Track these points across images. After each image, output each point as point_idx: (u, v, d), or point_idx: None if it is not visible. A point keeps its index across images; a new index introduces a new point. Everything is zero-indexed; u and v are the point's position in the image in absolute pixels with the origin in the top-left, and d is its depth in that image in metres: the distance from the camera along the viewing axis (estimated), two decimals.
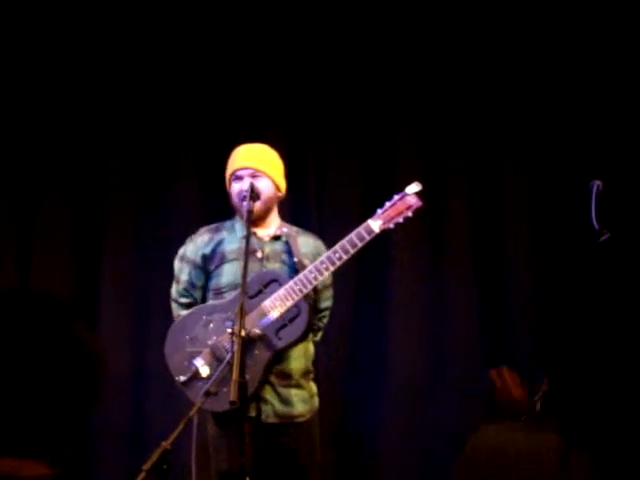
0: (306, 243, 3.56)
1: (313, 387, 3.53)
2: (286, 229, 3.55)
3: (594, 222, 2.94)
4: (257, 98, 4.53)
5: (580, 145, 4.31)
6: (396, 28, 4.51)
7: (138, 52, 4.57)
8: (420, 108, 4.52)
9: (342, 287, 4.24)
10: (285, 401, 3.41)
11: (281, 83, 4.54)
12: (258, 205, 3.42)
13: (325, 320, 3.60)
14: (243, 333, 2.90)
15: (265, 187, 3.47)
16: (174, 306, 3.57)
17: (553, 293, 4.14)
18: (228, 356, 3.10)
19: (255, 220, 3.44)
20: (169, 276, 3.67)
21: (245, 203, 3.40)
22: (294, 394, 3.43)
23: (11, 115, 4.56)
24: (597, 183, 3.05)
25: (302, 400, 3.45)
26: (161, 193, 4.57)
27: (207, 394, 2.89)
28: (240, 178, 3.47)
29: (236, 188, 3.48)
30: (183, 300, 3.54)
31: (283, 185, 3.56)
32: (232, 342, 3.09)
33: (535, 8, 4.42)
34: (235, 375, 2.77)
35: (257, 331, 3.25)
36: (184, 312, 3.50)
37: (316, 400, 3.52)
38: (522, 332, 4.35)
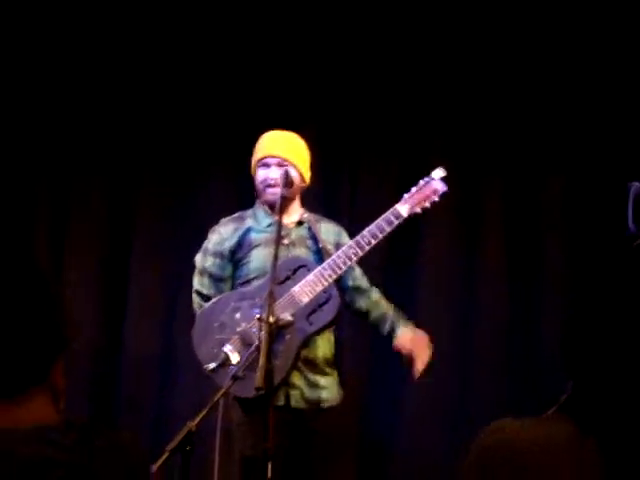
0: (327, 229, 3.57)
1: (336, 376, 3.53)
2: (307, 215, 3.56)
3: (630, 224, 2.92)
4: (294, 93, 4.54)
5: (619, 146, 4.27)
6: (432, 32, 4.49)
7: (180, 44, 4.59)
8: (456, 104, 4.49)
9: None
10: (313, 386, 3.42)
11: (318, 78, 4.53)
12: (285, 192, 3.41)
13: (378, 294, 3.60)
14: (272, 319, 2.90)
15: (293, 175, 3.46)
16: (197, 298, 3.54)
17: (584, 295, 4.09)
18: (257, 342, 3.11)
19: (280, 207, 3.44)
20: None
21: (271, 190, 3.41)
22: (321, 380, 3.44)
23: (46, 109, 4.60)
24: (636, 185, 3.03)
25: (329, 386, 3.46)
26: (195, 186, 4.60)
27: (235, 378, 2.89)
28: (267, 165, 3.48)
29: (261, 175, 3.50)
30: (206, 292, 3.52)
31: (308, 175, 3.56)
32: (260, 328, 3.11)
33: (564, 20, 4.38)
34: (262, 361, 2.77)
35: (289, 318, 3.25)
36: (207, 304, 3.48)
37: (341, 388, 3.52)
38: (553, 331, 4.31)
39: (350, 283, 3.56)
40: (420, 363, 3.43)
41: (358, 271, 3.59)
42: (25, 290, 1.37)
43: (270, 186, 3.46)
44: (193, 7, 4.59)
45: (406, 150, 4.52)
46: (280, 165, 3.46)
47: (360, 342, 4.39)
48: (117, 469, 1.36)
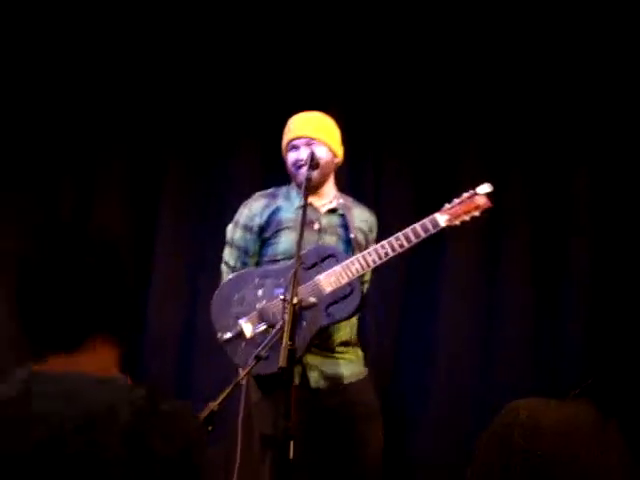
0: (360, 216, 3.56)
1: (359, 353, 3.52)
2: (342, 200, 3.54)
3: None
4: (318, 78, 4.53)
5: None
6: (458, 21, 4.47)
7: (205, 27, 4.62)
8: (484, 103, 4.47)
9: (393, 279, 4.24)
10: (332, 364, 3.42)
11: (342, 63, 4.53)
12: (315, 173, 3.42)
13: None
14: (295, 300, 2.90)
15: (321, 154, 3.47)
16: (224, 268, 3.57)
17: (610, 290, 4.06)
18: (279, 322, 3.12)
19: (312, 189, 3.44)
20: (223, 236, 3.69)
21: (301, 171, 3.40)
22: (340, 358, 3.44)
23: (73, 82, 4.64)
24: None
25: (349, 362, 3.45)
26: (219, 169, 4.62)
27: (258, 358, 2.90)
28: (296, 147, 3.49)
29: (292, 157, 3.50)
30: (233, 263, 3.54)
31: (340, 151, 3.55)
32: (284, 308, 3.12)
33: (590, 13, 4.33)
34: (285, 340, 2.77)
35: (312, 299, 3.25)
36: (231, 275, 3.50)
37: (364, 367, 3.51)
38: (578, 332, 4.26)
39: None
40: None
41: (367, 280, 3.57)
42: (101, 256, 1.54)
43: (301, 167, 3.45)
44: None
45: (431, 139, 4.50)
46: (309, 145, 3.46)
47: (387, 326, 4.38)
48: (178, 434, 1.43)
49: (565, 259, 4.36)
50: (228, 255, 3.58)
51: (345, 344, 3.47)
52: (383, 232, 3.51)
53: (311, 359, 3.39)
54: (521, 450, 1.45)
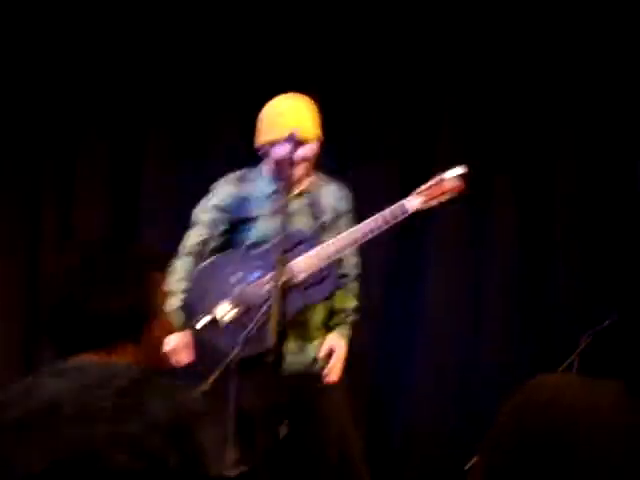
0: (328, 194, 3.53)
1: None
2: (312, 179, 3.50)
3: None
4: (299, 68, 4.50)
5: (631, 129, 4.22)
6: (442, 18, 4.47)
7: (188, 10, 4.61)
8: (465, 95, 4.47)
9: (376, 273, 4.28)
10: (301, 349, 3.42)
11: (324, 57, 4.52)
12: (299, 169, 3.37)
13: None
14: (281, 282, 2.93)
15: (310, 150, 3.42)
16: (180, 251, 3.49)
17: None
18: (260, 304, 3.14)
19: (294, 182, 3.36)
20: None
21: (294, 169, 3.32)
22: (310, 344, 3.44)
23: (54, 58, 4.62)
24: None
25: (320, 345, 3.45)
26: (202, 143, 4.60)
27: (246, 341, 2.93)
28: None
29: (284, 150, 3.35)
30: (190, 243, 3.47)
31: (321, 136, 3.47)
32: (264, 291, 3.19)
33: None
34: (274, 324, 2.81)
35: (298, 279, 3.28)
36: (206, 262, 3.46)
37: None
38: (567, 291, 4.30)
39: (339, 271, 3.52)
40: (333, 374, 3.42)
41: (353, 260, 3.55)
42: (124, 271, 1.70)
43: (293, 164, 3.29)
44: None
45: (410, 121, 4.51)
46: (301, 143, 3.33)
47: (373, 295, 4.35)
48: (176, 403, 1.56)
49: (553, 224, 4.38)
50: (189, 236, 3.49)
51: (318, 326, 3.47)
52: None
53: (288, 345, 3.32)
54: (541, 426, 1.40)
